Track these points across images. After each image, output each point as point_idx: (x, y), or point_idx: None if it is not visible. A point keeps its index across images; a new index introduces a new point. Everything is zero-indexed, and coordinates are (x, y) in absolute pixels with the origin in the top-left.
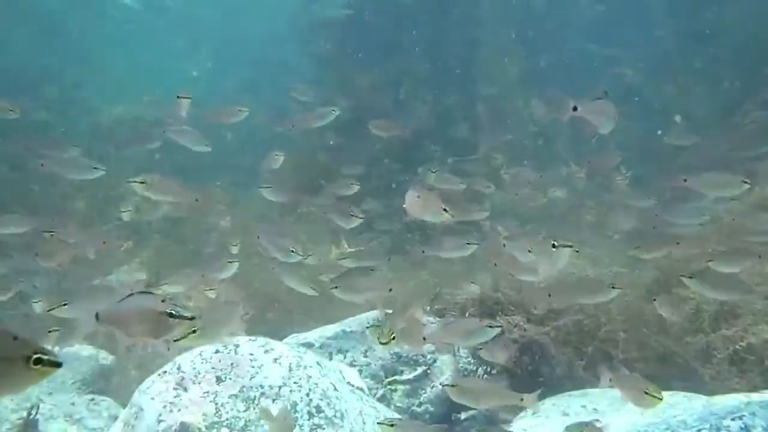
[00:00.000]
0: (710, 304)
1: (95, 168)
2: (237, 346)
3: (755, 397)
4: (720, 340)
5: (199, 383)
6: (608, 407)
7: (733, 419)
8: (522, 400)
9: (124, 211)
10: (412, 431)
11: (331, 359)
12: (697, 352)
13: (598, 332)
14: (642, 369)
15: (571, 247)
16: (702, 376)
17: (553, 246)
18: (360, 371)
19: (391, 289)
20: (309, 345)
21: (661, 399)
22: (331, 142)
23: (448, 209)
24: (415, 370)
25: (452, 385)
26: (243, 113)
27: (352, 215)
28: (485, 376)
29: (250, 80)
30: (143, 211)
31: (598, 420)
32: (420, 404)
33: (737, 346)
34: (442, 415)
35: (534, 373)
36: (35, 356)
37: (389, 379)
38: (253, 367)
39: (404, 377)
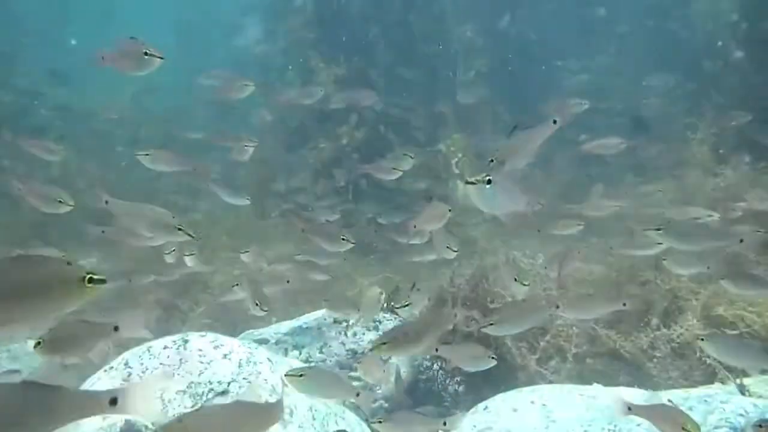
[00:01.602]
0: (658, 300)
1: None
2: (186, 341)
3: (694, 392)
4: (664, 336)
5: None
6: (557, 402)
7: None
8: (445, 424)
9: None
10: (324, 378)
11: (286, 355)
12: (644, 348)
13: (551, 327)
14: (592, 364)
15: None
16: (648, 371)
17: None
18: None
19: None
20: (264, 341)
21: None
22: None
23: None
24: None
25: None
26: (249, 88)
27: (343, 239)
28: (440, 371)
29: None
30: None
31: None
32: (375, 400)
33: (674, 343)
34: (399, 409)
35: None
36: (87, 276)
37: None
38: (202, 362)
39: (358, 373)
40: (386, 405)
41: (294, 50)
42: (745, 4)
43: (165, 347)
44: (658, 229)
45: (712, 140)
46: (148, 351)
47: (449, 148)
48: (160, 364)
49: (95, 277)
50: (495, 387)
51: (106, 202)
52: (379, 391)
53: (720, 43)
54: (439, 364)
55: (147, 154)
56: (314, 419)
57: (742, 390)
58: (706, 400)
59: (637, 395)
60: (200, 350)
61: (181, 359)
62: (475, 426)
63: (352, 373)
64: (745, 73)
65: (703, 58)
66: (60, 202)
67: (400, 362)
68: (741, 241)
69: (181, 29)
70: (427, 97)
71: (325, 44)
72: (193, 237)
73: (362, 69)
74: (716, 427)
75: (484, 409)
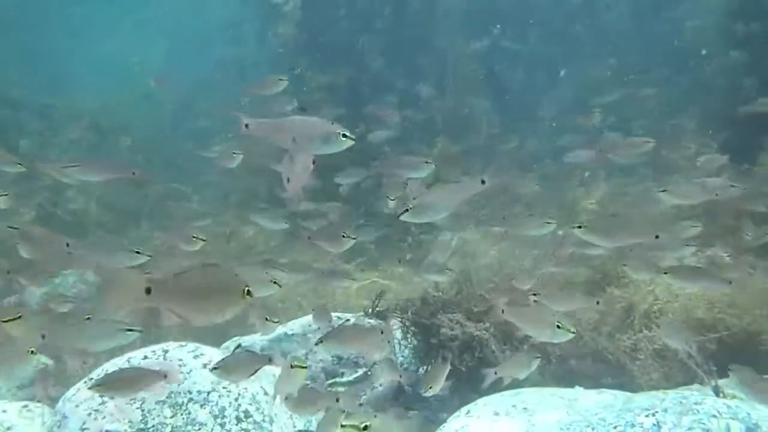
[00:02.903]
0: (640, 303)
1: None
2: (166, 351)
3: (671, 394)
4: (646, 338)
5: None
6: (538, 405)
7: (647, 416)
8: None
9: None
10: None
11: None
12: (627, 350)
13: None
14: (576, 365)
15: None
16: (631, 373)
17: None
18: None
19: None
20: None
21: None
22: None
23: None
24: (356, 371)
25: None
26: (282, 83)
27: (344, 236)
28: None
29: (203, 75)
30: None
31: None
32: (360, 405)
33: (656, 345)
34: None
35: (475, 371)
36: (246, 288)
37: (330, 381)
38: (181, 372)
39: (345, 379)
40: (372, 410)
41: (283, 57)
42: (731, 4)
43: (145, 357)
44: (579, 227)
45: (697, 141)
46: (128, 362)
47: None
48: None
49: (251, 290)
50: (480, 391)
51: None
52: (365, 396)
53: (704, 52)
54: (425, 368)
55: (76, 166)
56: (294, 426)
57: (717, 391)
58: (681, 402)
59: (619, 399)
60: (180, 360)
61: (160, 369)
62: (455, 430)
63: (338, 379)
64: (732, 75)
65: (690, 60)
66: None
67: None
68: (657, 237)
69: (174, 37)
70: (417, 103)
71: (314, 51)
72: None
73: (351, 76)
74: (690, 429)
75: (467, 413)
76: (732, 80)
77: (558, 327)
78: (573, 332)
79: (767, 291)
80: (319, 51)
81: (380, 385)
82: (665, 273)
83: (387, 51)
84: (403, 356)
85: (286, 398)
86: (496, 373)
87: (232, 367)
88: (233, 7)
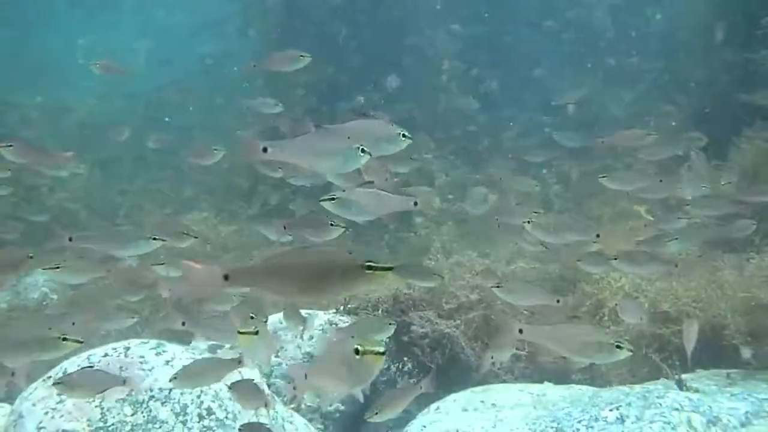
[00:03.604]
0: (610, 299)
1: None
2: (127, 348)
3: (637, 388)
4: (612, 333)
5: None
6: (506, 401)
7: (611, 410)
8: None
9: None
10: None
11: None
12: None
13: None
14: (546, 362)
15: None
16: (599, 368)
17: None
18: (271, 371)
19: None
20: (219, 347)
21: None
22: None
23: None
24: None
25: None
26: (305, 59)
27: (332, 225)
28: (397, 372)
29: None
30: None
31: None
32: (332, 404)
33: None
34: (354, 414)
35: (445, 368)
36: (367, 264)
37: None
38: (143, 370)
39: None
40: (342, 408)
41: (264, 53)
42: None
43: (105, 355)
44: (528, 222)
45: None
46: (88, 359)
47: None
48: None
49: (376, 265)
50: (452, 388)
51: None
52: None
53: (682, 48)
54: (397, 365)
55: (9, 146)
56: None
57: (681, 385)
58: (645, 396)
59: (586, 393)
60: (141, 357)
61: (121, 367)
62: (424, 426)
63: None
64: (708, 70)
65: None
66: None
67: None
68: (597, 236)
69: (159, 32)
70: (399, 99)
71: (294, 47)
72: None
73: (332, 72)
74: (651, 422)
75: (436, 409)
76: (708, 76)
77: (618, 347)
78: (632, 350)
79: (733, 284)
80: (299, 46)
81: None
82: (614, 259)
83: (367, 47)
84: None
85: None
86: (492, 357)
87: (196, 374)
88: (217, 3)
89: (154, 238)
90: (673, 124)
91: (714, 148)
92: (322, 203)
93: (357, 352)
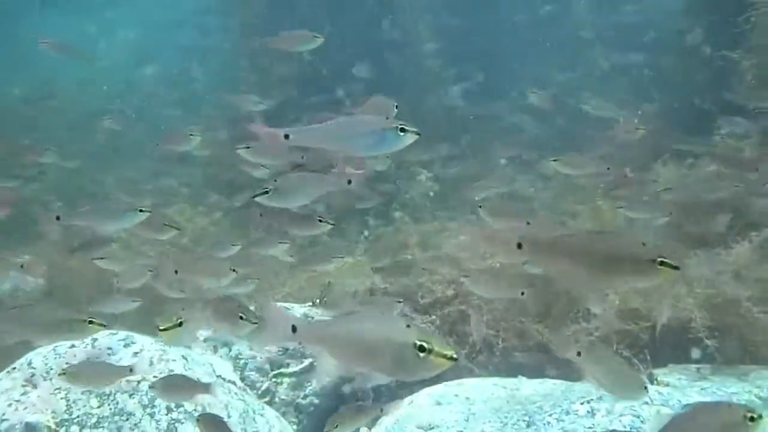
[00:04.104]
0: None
1: None
2: (95, 339)
3: None
4: (583, 330)
5: (51, 379)
6: (480, 395)
7: (582, 403)
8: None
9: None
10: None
11: (216, 353)
12: (569, 341)
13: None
14: (521, 357)
15: None
16: (573, 363)
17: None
18: (245, 364)
19: None
20: (193, 339)
21: None
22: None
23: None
24: (302, 362)
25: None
26: (318, 40)
27: (321, 221)
28: None
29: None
30: None
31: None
32: (305, 396)
33: (594, 336)
34: (328, 408)
35: None
36: (659, 259)
37: (275, 372)
38: (110, 361)
39: (290, 370)
40: (317, 401)
41: (245, 47)
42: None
43: (72, 346)
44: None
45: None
46: (54, 350)
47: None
48: (66, 363)
49: (668, 261)
50: (427, 382)
51: None
52: (310, 387)
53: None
54: None
55: None
56: (229, 417)
57: (651, 379)
58: None
59: (559, 388)
60: (109, 349)
61: (88, 357)
62: (397, 420)
63: (284, 370)
64: (686, 68)
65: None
66: None
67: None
68: (528, 223)
69: (144, 25)
70: (382, 93)
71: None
72: None
73: (315, 67)
74: (621, 415)
75: (409, 403)
76: (687, 74)
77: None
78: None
79: (701, 280)
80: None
81: (327, 377)
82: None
83: (352, 41)
84: None
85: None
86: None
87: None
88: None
89: (141, 210)
90: (640, 129)
91: (689, 146)
92: (255, 199)
93: (422, 349)
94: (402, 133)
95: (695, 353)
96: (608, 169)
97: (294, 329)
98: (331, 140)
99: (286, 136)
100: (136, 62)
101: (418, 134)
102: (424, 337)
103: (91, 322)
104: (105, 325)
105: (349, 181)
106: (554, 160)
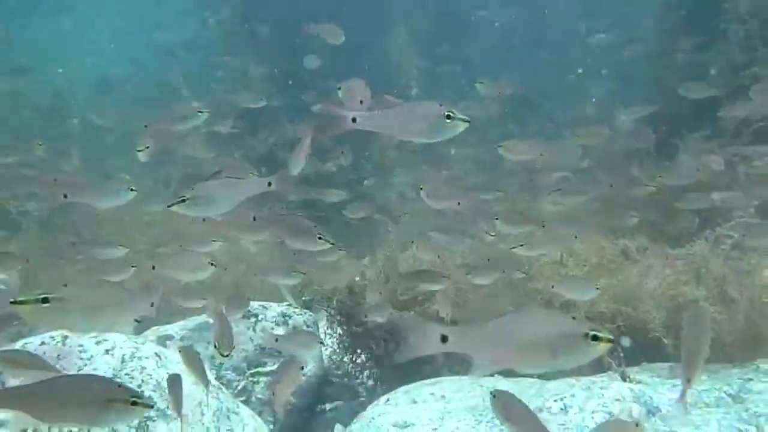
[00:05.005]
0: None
1: None
2: (66, 337)
3: (582, 380)
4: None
5: (18, 377)
6: (456, 394)
7: (555, 401)
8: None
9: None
10: None
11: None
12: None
13: (458, 318)
14: None
15: None
16: None
17: None
18: (221, 363)
19: None
20: (169, 337)
21: None
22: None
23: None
24: (279, 361)
25: None
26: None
27: (320, 239)
28: (351, 365)
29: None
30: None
31: None
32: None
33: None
34: (306, 406)
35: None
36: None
37: (252, 371)
38: (81, 359)
39: (267, 369)
40: (293, 400)
41: (222, 46)
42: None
43: (42, 343)
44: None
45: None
46: (23, 347)
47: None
48: None
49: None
50: (405, 380)
51: None
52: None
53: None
54: (350, 357)
55: None
56: (203, 414)
57: (624, 377)
58: (589, 387)
59: (535, 386)
60: (81, 346)
61: (59, 355)
62: (373, 418)
63: (261, 369)
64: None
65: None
66: None
67: (310, 356)
68: (458, 203)
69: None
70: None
71: (255, 41)
72: None
73: (291, 68)
74: (594, 412)
75: (386, 401)
76: (662, 75)
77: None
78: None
79: (661, 281)
80: (259, 40)
81: (303, 375)
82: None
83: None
84: (329, 345)
85: None
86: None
87: None
88: None
89: (132, 189)
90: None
91: (664, 148)
92: (170, 208)
93: (595, 338)
94: (449, 121)
95: (663, 352)
96: (541, 155)
97: (444, 339)
98: (391, 126)
99: (354, 120)
100: (112, 59)
101: (468, 122)
102: (591, 326)
103: None
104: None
105: (269, 183)
106: (499, 146)
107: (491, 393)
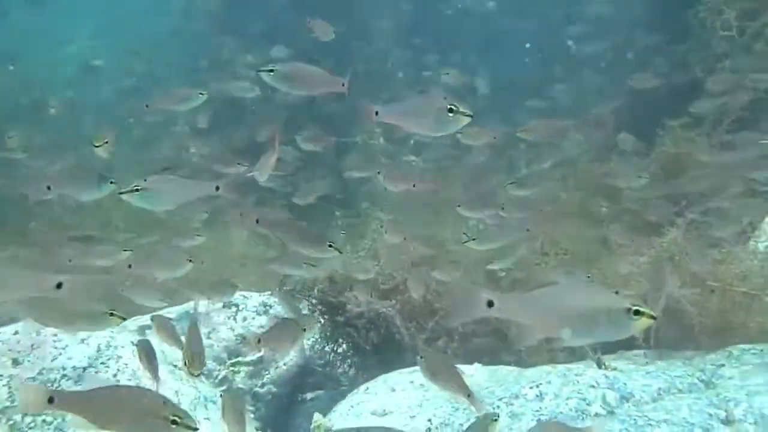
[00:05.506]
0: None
1: None
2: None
3: (559, 368)
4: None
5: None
6: None
7: (531, 387)
8: None
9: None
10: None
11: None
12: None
13: (439, 307)
14: (479, 343)
15: None
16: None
17: None
18: None
19: None
20: (148, 327)
21: None
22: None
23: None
24: (260, 350)
25: None
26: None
27: (330, 246)
28: (333, 354)
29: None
30: None
31: None
32: (263, 385)
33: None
34: (287, 396)
35: (379, 349)
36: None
37: (233, 361)
38: (56, 348)
39: (248, 358)
40: (275, 389)
41: (208, 34)
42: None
43: (16, 332)
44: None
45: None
46: None
47: (368, 139)
48: (9, 350)
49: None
50: (387, 368)
51: None
52: (268, 376)
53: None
54: (332, 347)
55: None
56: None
57: (600, 363)
58: (565, 374)
59: (512, 373)
60: (55, 335)
61: (32, 345)
62: (352, 407)
63: (241, 359)
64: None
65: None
66: None
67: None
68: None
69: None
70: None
71: (243, 30)
72: None
73: (281, 57)
74: (568, 398)
75: (365, 390)
76: (640, 65)
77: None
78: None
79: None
80: (247, 30)
81: (284, 365)
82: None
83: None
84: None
85: None
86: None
87: None
88: None
89: (112, 182)
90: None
91: (642, 137)
92: (122, 196)
93: (637, 312)
94: (452, 115)
95: (639, 340)
96: (494, 138)
97: (491, 303)
98: (405, 119)
99: (377, 113)
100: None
101: (470, 116)
102: (633, 301)
103: (112, 314)
104: (125, 318)
105: (217, 188)
106: (459, 133)
107: (419, 355)
